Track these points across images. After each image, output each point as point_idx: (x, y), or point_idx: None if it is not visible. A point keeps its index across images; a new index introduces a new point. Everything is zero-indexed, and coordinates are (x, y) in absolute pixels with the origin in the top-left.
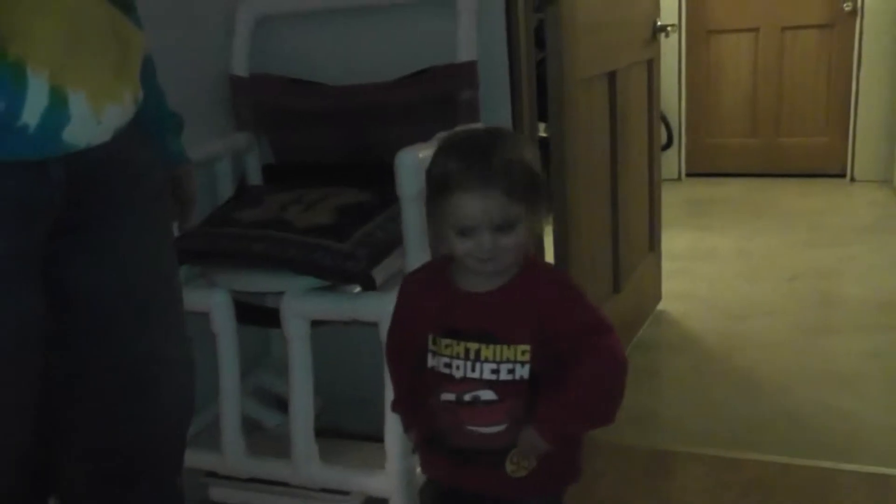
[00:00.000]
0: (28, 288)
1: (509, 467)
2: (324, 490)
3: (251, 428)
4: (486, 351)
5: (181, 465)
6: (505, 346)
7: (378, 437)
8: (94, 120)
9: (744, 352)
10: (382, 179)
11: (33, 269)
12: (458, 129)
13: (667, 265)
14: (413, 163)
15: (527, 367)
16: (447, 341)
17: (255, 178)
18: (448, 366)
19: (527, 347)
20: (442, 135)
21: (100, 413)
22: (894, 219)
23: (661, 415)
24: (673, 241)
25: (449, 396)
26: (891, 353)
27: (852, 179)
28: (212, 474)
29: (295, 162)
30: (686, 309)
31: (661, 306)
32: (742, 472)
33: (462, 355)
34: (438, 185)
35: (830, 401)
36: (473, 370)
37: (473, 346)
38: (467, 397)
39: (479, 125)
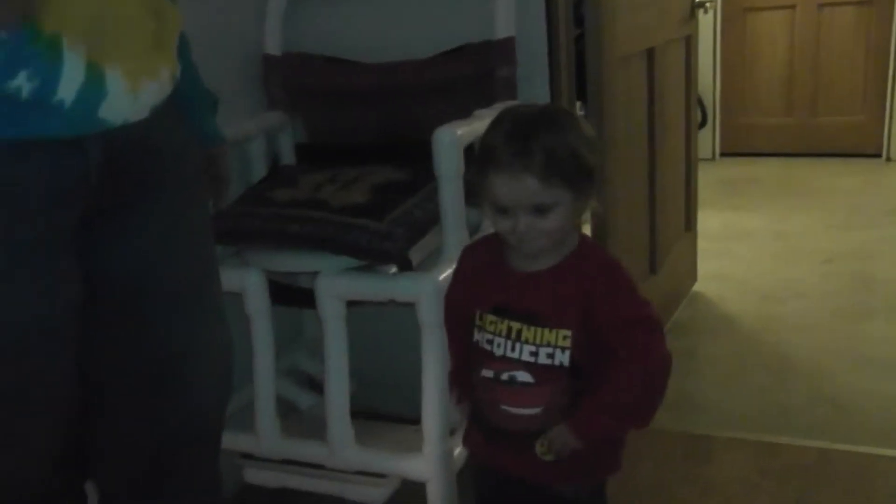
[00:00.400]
0: (63, 268)
1: (539, 449)
2: (360, 472)
3: (285, 409)
4: (528, 332)
5: (218, 452)
6: (546, 330)
7: (413, 420)
8: (130, 96)
9: (780, 334)
10: (418, 158)
11: (68, 249)
12: (519, 104)
13: (702, 246)
14: (451, 140)
15: (567, 353)
16: (492, 318)
17: (287, 157)
18: (490, 342)
19: (568, 333)
20: (481, 112)
21: (135, 401)
22: None
23: (698, 398)
24: (707, 222)
25: (488, 373)
26: None
27: (888, 159)
28: (247, 456)
29: (328, 141)
30: (721, 290)
31: (696, 287)
32: (781, 458)
33: (504, 333)
34: (480, 159)
35: (869, 385)
36: (513, 350)
37: (516, 325)
38: (504, 376)
39: (539, 103)
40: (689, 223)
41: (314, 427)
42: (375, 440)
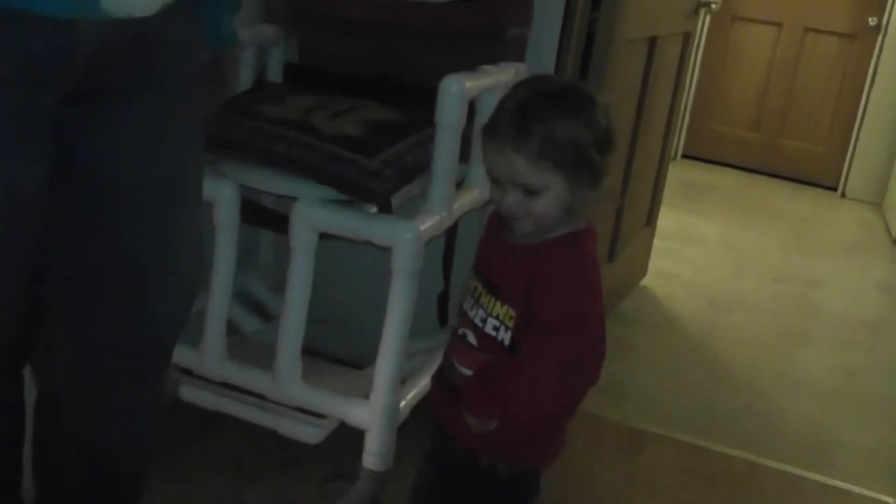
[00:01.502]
0: (27, 151)
1: (465, 417)
2: (298, 409)
3: (228, 330)
4: (485, 298)
5: (166, 372)
6: (499, 303)
7: (354, 363)
8: None
9: (722, 343)
10: (413, 102)
11: (37, 131)
12: (549, 76)
13: (654, 243)
14: (458, 90)
15: (509, 333)
16: (471, 275)
17: (274, 75)
18: (465, 298)
19: (514, 314)
20: (488, 67)
21: (92, 300)
22: (880, 242)
23: (633, 390)
24: (661, 220)
25: (454, 324)
26: (866, 373)
27: (843, 195)
28: (185, 371)
29: (319, 66)
30: (669, 289)
31: (644, 282)
32: (709, 462)
33: (471, 292)
34: (488, 122)
35: (802, 409)
36: (472, 310)
37: (480, 288)
38: (460, 331)
39: (570, 79)
40: (651, 218)
41: (256, 354)
42: (320, 379)
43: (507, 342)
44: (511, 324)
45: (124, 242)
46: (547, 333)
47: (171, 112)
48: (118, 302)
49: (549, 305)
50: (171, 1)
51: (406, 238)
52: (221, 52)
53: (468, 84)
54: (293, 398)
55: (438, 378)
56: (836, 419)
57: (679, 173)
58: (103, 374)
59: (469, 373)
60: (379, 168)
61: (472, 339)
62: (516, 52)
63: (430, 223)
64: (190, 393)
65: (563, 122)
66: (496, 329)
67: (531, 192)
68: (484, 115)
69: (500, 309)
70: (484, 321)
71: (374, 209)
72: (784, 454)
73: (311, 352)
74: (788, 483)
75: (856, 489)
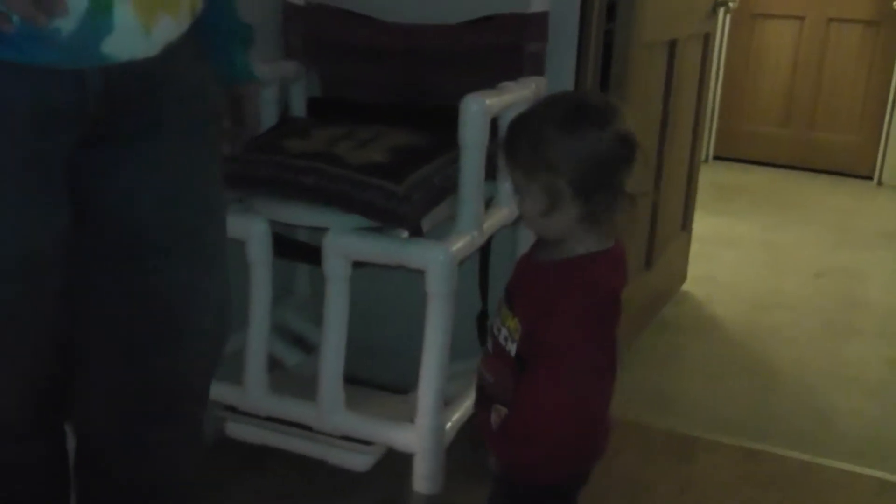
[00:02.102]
0: (46, 198)
1: (493, 415)
2: (344, 437)
3: (270, 365)
4: (504, 309)
5: (205, 406)
6: (510, 315)
7: (396, 389)
8: (141, 32)
9: (766, 343)
10: (436, 124)
11: (53, 178)
12: (581, 92)
13: (691, 247)
14: (479, 109)
15: (514, 345)
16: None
17: (298, 110)
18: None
19: (519, 328)
20: (508, 84)
21: (122, 344)
22: None
23: (680, 397)
24: (697, 224)
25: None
26: None
27: (880, 183)
28: (230, 408)
29: (342, 97)
30: (710, 293)
31: (685, 287)
32: (762, 465)
33: (498, 304)
34: None
35: (854, 404)
36: (494, 318)
37: (502, 299)
38: (489, 340)
39: (600, 94)
40: (686, 223)
41: (300, 386)
42: (364, 406)
43: (512, 353)
44: (517, 336)
45: (151, 283)
46: (538, 365)
47: (186, 152)
48: (149, 343)
49: (554, 332)
50: (174, 41)
51: (438, 260)
52: (239, 90)
53: (488, 102)
54: (338, 426)
55: (479, 402)
56: (889, 414)
57: (711, 175)
58: (137, 414)
59: (490, 378)
60: (407, 192)
61: (490, 346)
62: (535, 67)
63: (461, 244)
64: (236, 429)
65: (559, 134)
66: (506, 339)
67: (516, 191)
68: None
69: (511, 321)
70: (499, 330)
71: (405, 234)
72: (839, 452)
73: (354, 381)
74: (845, 481)
75: None
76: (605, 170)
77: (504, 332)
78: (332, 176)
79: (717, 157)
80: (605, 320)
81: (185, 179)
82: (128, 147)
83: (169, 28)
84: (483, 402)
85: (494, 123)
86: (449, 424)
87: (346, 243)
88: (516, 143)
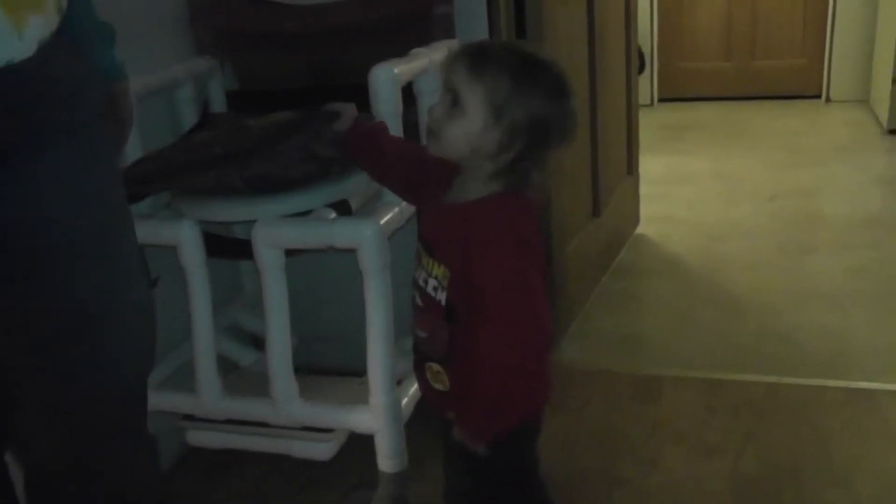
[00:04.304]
0: None
1: (427, 374)
2: (306, 429)
3: (227, 367)
4: (425, 259)
5: (145, 415)
6: (435, 263)
7: (357, 372)
8: (13, 33)
9: (726, 273)
10: (354, 100)
11: None
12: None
13: (644, 190)
14: (388, 78)
15: (444, 293)
16: (418, 240)
17: (219, 105)
18: (415, 263)
19: (448, 274)
20: (419, 50)
21: (45, 363)
22: (872, 138)
23: (645, 339)
24: (649, 167)
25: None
26: (873, 270)
27: (828, 100)
28: (188, 417)
29: (261, 87)
30: (665, 232)
31: (639, 230)
32: (730, 394)
33: (416, 254)
34: None
35: (816, 319)
36: (416, 271)
37: (421, 249)
38: (413, 294)
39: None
40: (631, 167)
41: (258, 384)
42: (320, 394)
43: (443, 302)
44: (445, 283)
45: (64, 290)
46: (486, 319)
47: (80, 156)
48: (73, 351)
49: (485, 270)
50: (46, 39)
51: (368, 236)
52: (110, 89)
53: (397, 70)
54: (295, 417)
55: (415, 363)
56: (851, 322)
57: (658, 117)
58: (79, 429)
59: (423, 334)
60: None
61: (418, 300)
62: (446, 30)
63: (388, 216)
64: (197, 437)
65: (515, 73)
66: (435, 289)
67: (455, 103)
68: (425, 97)
69: (437, 269)
70: (426, 282)
71: (333, 214)
72: (805, 369)
73: (313, 370)
74: (811, 397)
75: (877, 386)
76: (545, 136)
77: (432, 282)
78: (240, 139)
79: (662, 99)
80: (526, 258)
81: (79, 185)
82: (12, 160)
83: (39, 26)
84: (419, 363)
85: (410, 91)
86: (405, 400)
87: (273, 231)
88: (483, 59)
